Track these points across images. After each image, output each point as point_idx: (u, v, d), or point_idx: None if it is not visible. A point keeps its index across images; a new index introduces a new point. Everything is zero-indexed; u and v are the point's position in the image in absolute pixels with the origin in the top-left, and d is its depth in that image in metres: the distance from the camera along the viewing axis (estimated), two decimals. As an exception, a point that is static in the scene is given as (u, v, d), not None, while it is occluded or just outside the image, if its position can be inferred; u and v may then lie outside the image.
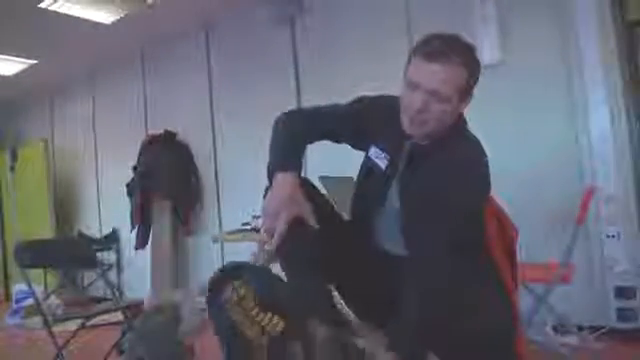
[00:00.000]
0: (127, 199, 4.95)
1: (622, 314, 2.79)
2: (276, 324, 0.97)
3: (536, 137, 3.07)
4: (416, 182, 1.38)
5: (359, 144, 1.55)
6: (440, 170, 1.32)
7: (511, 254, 1.49)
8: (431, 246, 1.27)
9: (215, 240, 4.43)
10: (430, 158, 1.36)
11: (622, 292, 2.80)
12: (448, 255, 1.25)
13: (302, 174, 1.43)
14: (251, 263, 1.27)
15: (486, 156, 1.39)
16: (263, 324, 0.97)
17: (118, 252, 5.64)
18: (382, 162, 1.45)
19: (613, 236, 2.83)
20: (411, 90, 1.31)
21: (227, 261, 4.63)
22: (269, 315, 0.98)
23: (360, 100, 1.56)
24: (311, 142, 1.53)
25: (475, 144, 1.41)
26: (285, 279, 1.23)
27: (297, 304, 1.03)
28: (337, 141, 1.58)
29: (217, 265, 4.89)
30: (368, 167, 1.51)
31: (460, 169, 1.33)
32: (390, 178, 1.43)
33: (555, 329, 2.80)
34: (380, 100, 1.53)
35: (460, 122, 1.42)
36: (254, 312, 0.98)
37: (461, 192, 1.30)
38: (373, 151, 1.48)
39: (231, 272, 1.06)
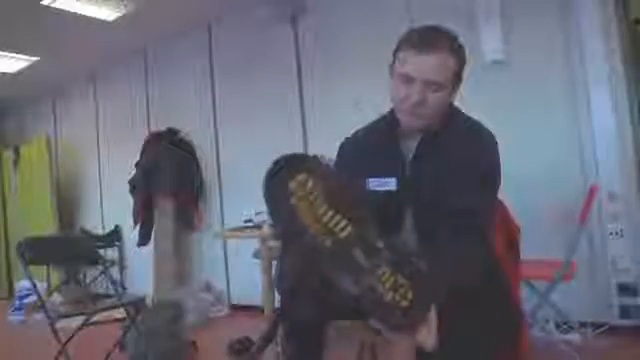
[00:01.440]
0: (130, 196, 4.95)
1: (625, 311, 2.79)
2: (343, 228, 0.92)
3: (539, 135, 3.06)
4: (437, 164, 1.36)
5: None
6: (461, 142, 1.35)
7: (513, 250, 1.49)
8: (470, 214, 1.25)
9: (217, 237, 4.44)
10: (443, 140, 1.37)
11: (625, 289, 2.80)
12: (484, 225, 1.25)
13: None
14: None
15: None
16: (330, 225, 0.92)
17: (121, 249, 5.66)
18: (389, 185, 1.40)
19: (616, 233, 2.83)
20: (406, 84, 1.33)
21: (230, 257, 4.65)
22: (338, 217, 0.92)
23: (338, 155, 1.57)
24: None
25: (474, 119, 1.45)
26: None
27: (365, 209, 0.97)
28: None
29: (219, 262, 4.89)
30: (372, 200, 1.43)
31: (480, 137, 1.37)
32: (403, 194, 1.39)
33: (557, 326, 2.80)
34: (355, 137, 1.56)
35: (454, 108, 1.45)
36: (322, 210, 0.92)
37: (489, 157, 1.34)
38: (373, 182, 1.43)
39: (296, 163, 0.97)
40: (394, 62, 1.38)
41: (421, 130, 1.38)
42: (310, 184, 0.94)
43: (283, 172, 0.97)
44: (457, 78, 1.36)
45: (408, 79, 1.32)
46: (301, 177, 0.94)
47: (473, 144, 1.35)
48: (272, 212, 0.99)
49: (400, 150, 1.42)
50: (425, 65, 1.30)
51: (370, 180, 1.43)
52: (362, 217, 0.95)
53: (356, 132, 1.58)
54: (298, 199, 0.92)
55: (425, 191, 1.35)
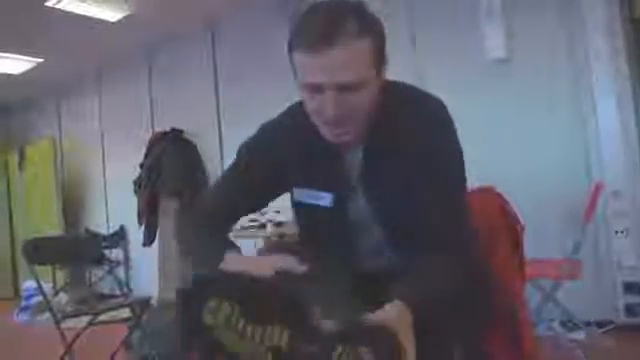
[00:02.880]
0: (134, 196, 4.97)
1: (630, 309, 2.78)
2: (280, 335, 0.81)
3: (543, 133, 3.05)
4: (393, 164, 1.11)
5: (276, 188, 1.24)
6: (413, 131, 1.08)
7: (518, 247, 1.48)
8: (445, 209, 1.06)
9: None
10: (391, 138, 1.10)
11: (630, 287, 2.79)
12: (464, 218, 1.09)
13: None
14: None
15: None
16: (265, 340, 0.80)
17: (126, 249, 5.68)
18: (323, 200, 1.16)
19: (621, 232, 2.82)
20: (315, 94, 1.00)
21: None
22: (269, 328, 0.81)
23: (255, 139, 1.32)
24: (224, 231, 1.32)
25: (414, 87, 1.17)
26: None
27: (292, 298, 0.85)
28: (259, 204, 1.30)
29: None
30: (306, 211, 1.21)
31: (432, 118, 1.11)
32: (344, 206, 1.16)
33: (563, 325, 2.79)
34: (284, 124, 1.28)
35: (389, 89, 1.10)
36: (249, 331, 0.80)
37: (447, 140, 1.10)
38: (301, 194, 1.19)
39: (201, 291, 0.82)
40: (293, 63, 1.03)
41: (355, 139, 1.09)
42: (226, 307, 0.80)
43: (192, 306, 0.81)
44: (380, 58, 1.02)
45: (314, 88, 1.00)
46: (213, 304, 0.80)
47: (426, 131, 1.08)
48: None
49: (343, 163, 1.14)
50: (329, 66, 0.95)
51: (300, 191, 1.19)
52: (295, 312, 0.84)
53: (288, 121, 1.28)
54: (221, 328, 0.79)
55: (383, 200, 1.13)
